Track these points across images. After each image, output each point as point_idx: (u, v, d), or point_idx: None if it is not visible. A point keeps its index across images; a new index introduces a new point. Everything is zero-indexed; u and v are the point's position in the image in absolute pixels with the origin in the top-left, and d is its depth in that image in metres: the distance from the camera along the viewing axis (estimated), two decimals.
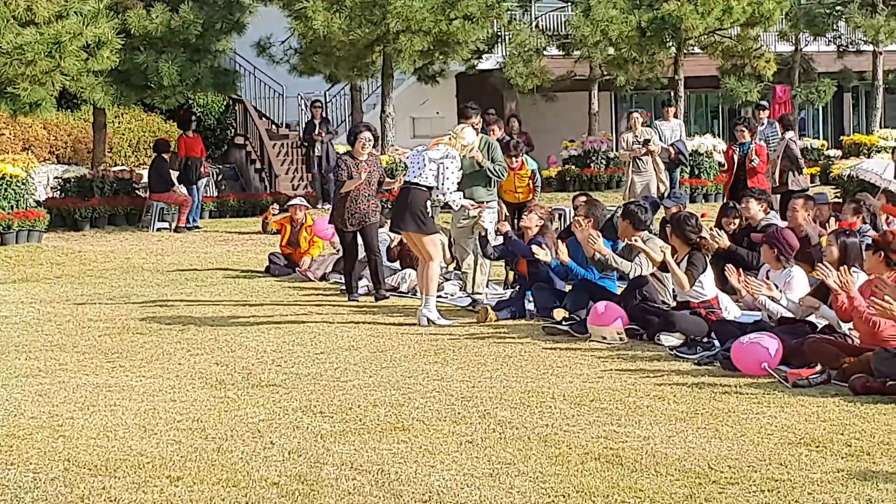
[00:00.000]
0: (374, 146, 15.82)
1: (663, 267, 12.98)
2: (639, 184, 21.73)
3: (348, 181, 15.41)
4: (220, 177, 32.93)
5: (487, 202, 14.92)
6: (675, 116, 24.99)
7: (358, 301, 15.66)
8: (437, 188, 13.76)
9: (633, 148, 21.94)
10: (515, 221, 16.94)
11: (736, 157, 20.07)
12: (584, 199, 15.60)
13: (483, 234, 14.61)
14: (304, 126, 32.95)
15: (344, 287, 16.15)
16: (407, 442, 8.37)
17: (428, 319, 13.60)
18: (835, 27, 39.33)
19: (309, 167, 32.04)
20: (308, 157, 31.78)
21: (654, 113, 44.86)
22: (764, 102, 27.18)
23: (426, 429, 8.73)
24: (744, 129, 20.24)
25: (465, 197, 14.29)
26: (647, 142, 21.87)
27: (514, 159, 17.54)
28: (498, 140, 16.73)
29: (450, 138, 13.88)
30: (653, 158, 22.05)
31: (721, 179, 27.84)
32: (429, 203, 13.92)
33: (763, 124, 24.21)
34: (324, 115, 32.92)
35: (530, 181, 17.95)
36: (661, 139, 23.74)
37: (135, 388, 10.35)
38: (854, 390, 9.51)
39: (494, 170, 14.91)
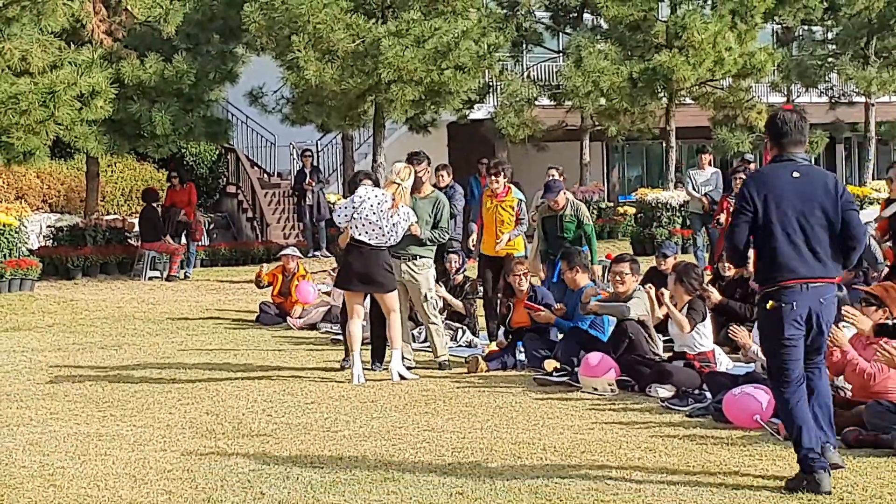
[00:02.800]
0: None
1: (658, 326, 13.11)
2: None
3: (342, 236, 14.27)
4: (211, 225, 32.96)
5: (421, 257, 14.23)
6: (711, 164, 23.97)
7: (348, 367, 14.28)
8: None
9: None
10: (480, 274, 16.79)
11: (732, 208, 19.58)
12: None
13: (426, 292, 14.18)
14: (295, 175, 33.04)
15: (334, 338, 15.87)
16: (397, 493, 8.36)
17: (400, 375, 13.24)
18: (827, 79, 39.54)
19: (300, 216, 32.12)
20: (299, 207, 31.87)
21: (645, 164, 45.10)
22: (749, 156, 26.55)
23: (416, 480, 8.72)
24: (744, 177, 19.67)
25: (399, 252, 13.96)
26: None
27: (495, 180, 16.19)
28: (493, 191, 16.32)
29: (398, 190, 13.29)
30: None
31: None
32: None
33: None
34: (314, 164, 33.01)
35: (514, 212, 16.24)
36: (694, 189, 23.28)
37: (125, 438, 10.33)
38: (847, 443, 9.51)
39: (433, 236, 14.24)
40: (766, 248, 8.40)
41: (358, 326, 13.40)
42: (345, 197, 15.13)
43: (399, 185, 13.33)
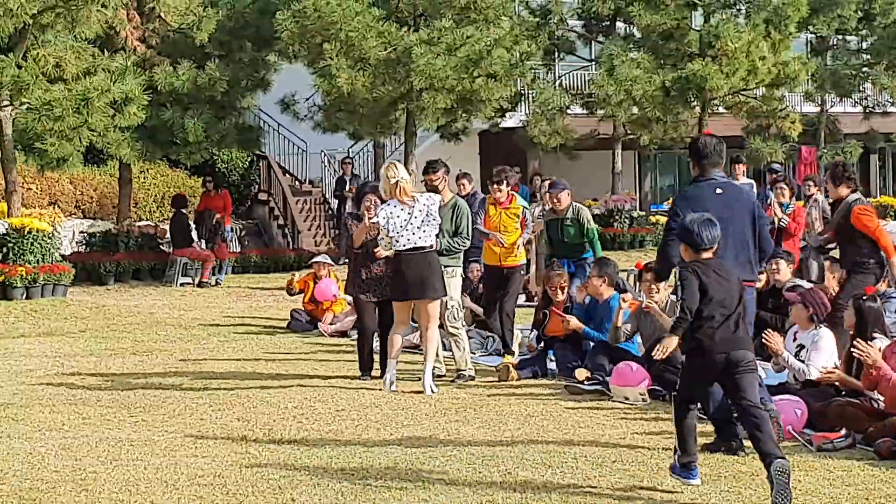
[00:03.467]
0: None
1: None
2: None
3: (356, 232, 14.01)
4: (243, 233, 33.03)
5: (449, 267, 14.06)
6: (745, 175, 23.54)
7: (369, 379, 13.99)
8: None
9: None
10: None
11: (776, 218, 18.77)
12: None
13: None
14: (335, 182, 33.09)
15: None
16: (427, 501, 8.35)
17: (431, 389, 13.02)
18: (861, 88, 39.39)
19: (339, 223, 32.13)
20: (339, 213, 31.88)
21: (677, 173, 44.99)
22: (777, 165, 26.03)
23: (447, 488, 8.70)
24: (784, 186, 19.31)
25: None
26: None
27: (498, 188, 15.58)
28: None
29: (401, 186, 13.05)
30: None
31: None
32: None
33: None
34: (354, 171, 33.05)
35: (519, 219, 15.62)
36: None
37: (157, 443, 10.36)
38: (880, 454, 9.46)
39: (454, 244, 14.08)
40: None
41: (401, 336, 13.39)
42: (357, 208, 14.53)
43: (397, 181, 13.11)
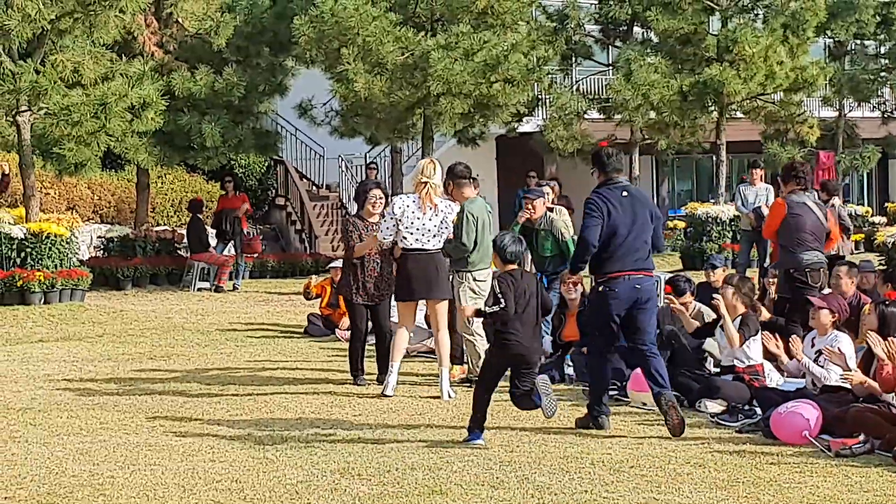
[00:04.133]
0: (385, 206, 14.00)
1: (697, 333, 13.05)
2: None
3: (359, 244, 13.80)
4: (260, 237, 33.08)
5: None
6: (763, 180, 23.44)
7: (366, 385, 13.86)
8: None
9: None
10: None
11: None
12: None
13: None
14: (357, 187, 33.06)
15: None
16: None
17: (449, 394, 12.99)
18: (879, 93, 39.31)
19: None
20: None
21: (695, 178, 44.93)
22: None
23: (464, 493, 8.70)
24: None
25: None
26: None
27: (531, 205, 15.71)
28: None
29: (430, 190, 13.01)
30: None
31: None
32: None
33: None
34: (377, 177, 33.06)
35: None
36: (744, 205, 22.94)
37: (175, 448, 10.37)
38: None
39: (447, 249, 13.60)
40: (606, 248, 10.97)
41: (405, 336, 13.32)
42: (360, 206, 14.21)
43: (427, 182, 13.10)
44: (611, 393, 12.71)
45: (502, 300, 10.28)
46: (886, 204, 39.96)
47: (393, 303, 14.02)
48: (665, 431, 10.86)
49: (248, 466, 9.62)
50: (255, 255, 28.96)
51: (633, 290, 10.96)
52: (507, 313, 10.30)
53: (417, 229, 13.06)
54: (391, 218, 13.13)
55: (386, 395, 13.00)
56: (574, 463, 9.65)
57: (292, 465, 9.64)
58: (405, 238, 13.10)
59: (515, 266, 10.68)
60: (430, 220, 13.08)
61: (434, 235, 13.09)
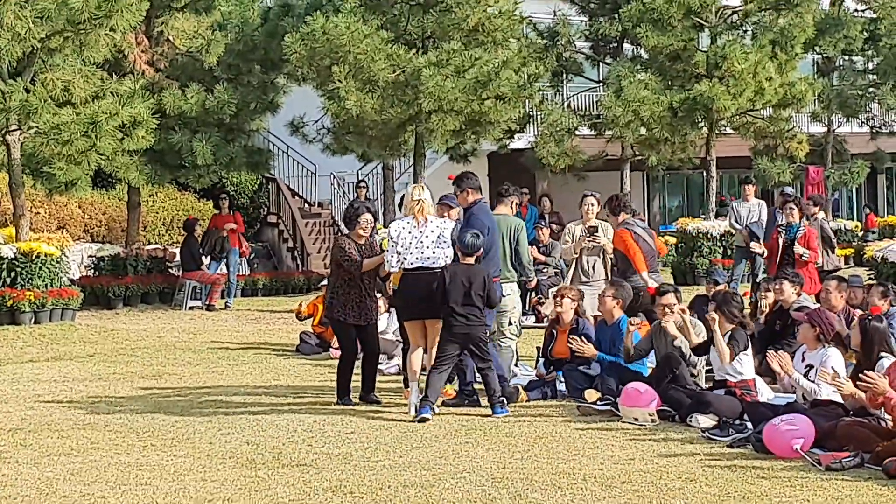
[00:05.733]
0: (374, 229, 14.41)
1: (697, 350, 13.06)
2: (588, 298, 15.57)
3: (368, 260, 13.84)
4: (252, 255, 33.06)
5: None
6: (756, 196, 23.43)
7: (350, 404, 13.79)
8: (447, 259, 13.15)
9: (577, 240, 16.69)
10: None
11: (781, 240, 18.82)
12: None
13: None
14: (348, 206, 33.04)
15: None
16: None
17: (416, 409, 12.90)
18: (868, 108, 39.36)
19: None
20: None
21: (685, 193, 44.99)
22: (790, 189, 25.42)
23: None
24: (794, 207, 18.97)
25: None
26: (593, 230, 16.63)
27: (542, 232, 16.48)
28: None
29: (423, 206, 13.11)
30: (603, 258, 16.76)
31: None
32: None
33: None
34: (368, 195, 33.06)
35: None
36: (737, 221, 22.91)
37: (166, 468, 10.36)
38: (888, 474, 9.45)
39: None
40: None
41: (419, 356, 13.27)
42: (349, 227, 14.21)
43: (419, 200, 13.14)
44: (601, 408, 12.76)
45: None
46: (876, 218, 39.98)
47: (382, 325, 14.07)
48: (657, 447, 10.87)
49: (239, 485, 9.62)
50: (245, 256, 28.98)
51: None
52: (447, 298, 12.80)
53: (416, 248, 13.07)
54: (392, 245, 13.15)
55: (424, 419, 12.61)
56: (566, 479, 9.65)
57: (284, 484, 9.63)
58: (405, 259, 13.11)
59: (472, 260, 12.98)
60: (426, 236, 13.08)
61: (429, 247, 13.06)
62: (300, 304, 20.29)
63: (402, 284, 13.33)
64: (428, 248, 13.08)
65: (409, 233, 13.11)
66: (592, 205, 16.70)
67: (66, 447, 11.43)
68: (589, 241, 16.42)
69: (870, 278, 22.75)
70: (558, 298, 14.80)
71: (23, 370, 17.49)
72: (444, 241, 13.12)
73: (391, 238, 13.20)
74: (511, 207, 15.07)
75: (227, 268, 27.91)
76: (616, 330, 13.95)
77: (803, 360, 12.04)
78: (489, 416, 12.85)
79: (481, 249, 13.14)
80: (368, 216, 14.14)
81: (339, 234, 14.73)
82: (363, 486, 9.53)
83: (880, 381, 10.22)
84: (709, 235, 30.94)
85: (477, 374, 13.41)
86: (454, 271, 12.85)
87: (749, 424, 11.45)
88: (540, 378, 14.63)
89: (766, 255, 19.88)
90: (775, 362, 11.84)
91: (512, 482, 9.58)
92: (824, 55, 39.15)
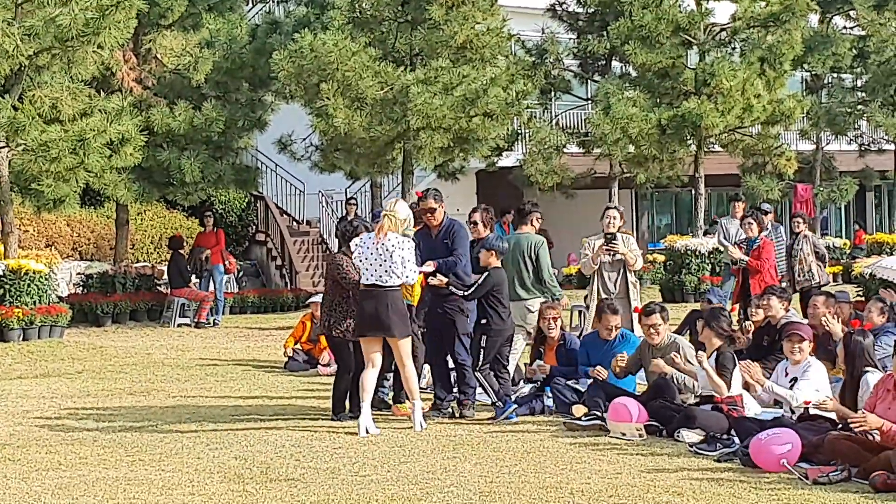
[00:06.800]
0: None
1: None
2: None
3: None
4: (240, 273, 33.06)
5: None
6: (745, 212, 23.56)
7: (346, 420, 13.69)
8: (406, 282, 13.18)
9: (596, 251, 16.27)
10: None
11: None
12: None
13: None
14: (337, 222, 33.11)
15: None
16: None
17: (421, 424, 13.00)
18: (856, 126, 39.48)
19: None
20: None
21: (674, 211, 45.05)
22: (767, 206, 25.54)
23: None
24: (752, 221, 19.49)
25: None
26: (610, 237, 16.28)
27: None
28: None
29: (390, 221, 13.04)
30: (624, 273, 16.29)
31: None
32: (403, 302, 13.30)
33: (768, 228, 22.80)
34: (357, 213, 33.08)
35: None
36: (725, 238, 23.01)
37: (154, 482, 10.35)
38: (875, 488, 9.48)
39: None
40: None
41: (373, 376, 13.15)
42: (346, 244, 14.08)
43: (387, 215, 13.09)
44: (586, 423, 12.76)
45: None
46: (864, 236, 40.08)
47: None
48: (645, 462, 10.89)
49: (227, 500, 9.61)
50: (231, 273, 29.05)
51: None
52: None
53: (371, 264, 13.04)
54: (358, 260, 13.21)
55: (366, 436, 12.73)
56: (553, 493, 9.66)
57: (272, 498, 9.63)
58: (362, 275, 13.15)
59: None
60: (380, 253, 12.99)
61: (385, 271, 12.98)
62: (285, 343, 19.84)
63: (360, 299, 13.29)
64: (380, 265, 13.00)
65: (367, 248, 13.10)
66: (614, 217, 16.41)
67: (55, 462, 11.41)
68: (606, 249, 16.06)
69: (858, 295, 22.78)
70: (550, 320, 14.75)
71: (11, 387, 17.45)
72: (397, 262, 12.97)
73: (354, 254, 13.25)
74: (532, 225, 15.63)
75: (214, 285, 27.90)
76: (610, 347, 13.98)
77: (787, 374, 12.09)
78: (476, 430, 12.86)
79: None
80: (365, 234, 13.99)
81: (337, 251, 14.54)
82: (351, 500, 9.52)
83: (870, 418, 10.18)
84: (697, 253, 31.02)
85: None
86: (500, 276, 13.76)
87: (736, 439, 11.46)
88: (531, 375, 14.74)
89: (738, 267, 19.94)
90: (744, 372, 11.87)
91: (499, 496, 9.58)
92: (813, 72, 39.34)
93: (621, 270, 16.16)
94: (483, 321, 13.76)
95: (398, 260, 12.94)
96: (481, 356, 13.66)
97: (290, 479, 10.44)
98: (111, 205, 29.90)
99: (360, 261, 13.09)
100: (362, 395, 13.06)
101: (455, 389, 13.99)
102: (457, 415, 13.68)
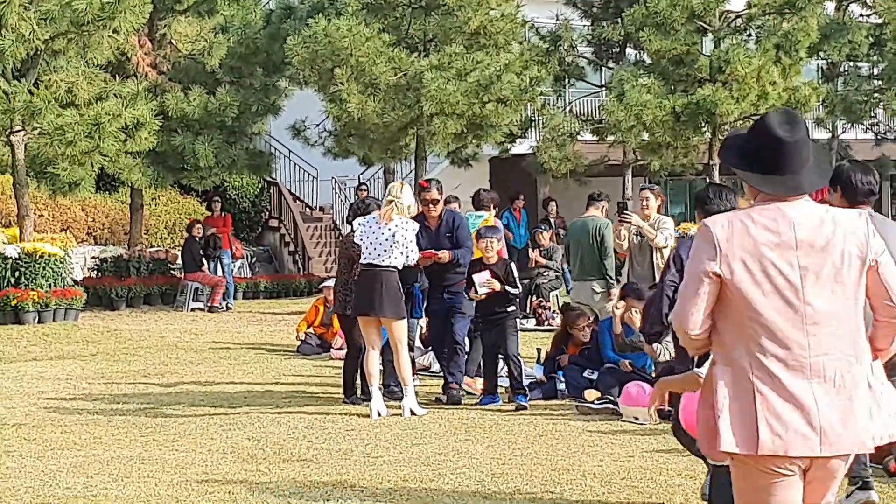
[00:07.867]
0: None
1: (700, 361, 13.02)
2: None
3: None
4: (253, 259, 33.11)
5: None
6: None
7: (358, 403, 13.63)
8: (406, 262, 13.17)
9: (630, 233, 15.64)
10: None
11: None
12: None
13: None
14: (349, 208, 33.11)
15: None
16: None
17: (411, 411, 12.90)
18: (872, 114, 39.35)
19: None
20: None
21: (688, 201, 45.01)
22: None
23: None
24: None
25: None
26: (623, 207, 15.86)
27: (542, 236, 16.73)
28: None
29: (395, 206, 13.11)
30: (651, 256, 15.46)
31: None
32: (399, 285, 13.24)
33: None
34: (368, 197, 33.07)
35: None
36: None
37: (168, 462, 10.40)
38: (888, 472, 9.48)
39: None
40: None
41: (375, 359, 13.18)
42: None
43: (392, 200, 13.16)
44: (599, 407, 12.78)
45: None
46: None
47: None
48: (657, 444, 10.91)
49: (241, 479, 9.65)
50: (237, 259, 29.11)
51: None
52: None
53: (371, 244, 13.09)
54: (358, 239, 13.26)
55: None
56: (565, 475, 9.68)
57: (284, 478, 9.67)
58: (362, 253, 13.20)
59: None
60: (382, 234, 13.04)
61: (385, 250, 13.02)
62: (298, 327, 19.89)
63: (358, 279, 13.34)
64: (381, 244, 13.04)
65: (370, 229, 13.15)
66: (648, 199, 15.78)
67: (69, 442, 11.47)
68: (619, 220, 15.50)
69: None
70: (584, 328, 14.54)
71: (27, 368, 17.53)
72: (398, 244, 13.01)
73: (356, 235, 13.32)
74: (601, 211, 16.46)
75: (222, 269, 27.96)
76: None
77: None
78: (489, 414, 12.90)
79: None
80: (370, 215, 14.02)
81: (350, 234, 14.37)
82: (363, 481, 9.56)
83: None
84: None
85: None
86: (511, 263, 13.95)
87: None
88: (540, 382, 14.66)
89: None
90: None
91: (511, 478, 9.62)
92: (829, 60, 39.18)
93: (649, 255, 15.57)
94: (511, 308, 13.73)
95: (400, 240, 13.01)
96: (517, 343, 13.74)
97: (302, 459, 10.49)
98: (125, 190, 29.96)
99: (361, 240, 13.16)
100: (369, 379, 13.11)
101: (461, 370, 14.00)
102: (443, 400, 13.68)
